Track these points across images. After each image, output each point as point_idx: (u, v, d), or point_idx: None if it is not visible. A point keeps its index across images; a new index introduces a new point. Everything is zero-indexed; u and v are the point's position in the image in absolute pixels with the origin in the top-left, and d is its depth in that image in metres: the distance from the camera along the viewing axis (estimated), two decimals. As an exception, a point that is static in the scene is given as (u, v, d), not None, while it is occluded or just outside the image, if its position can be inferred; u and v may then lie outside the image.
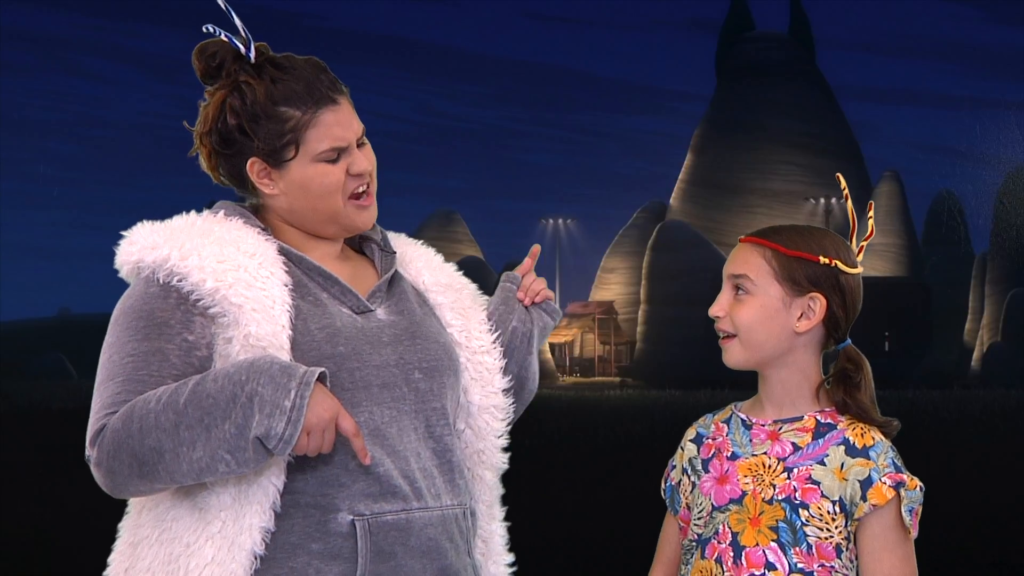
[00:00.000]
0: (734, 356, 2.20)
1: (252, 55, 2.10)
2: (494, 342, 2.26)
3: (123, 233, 2.09)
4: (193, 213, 2.13)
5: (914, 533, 2.13)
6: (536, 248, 2.35)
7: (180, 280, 2.02)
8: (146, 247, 2.05)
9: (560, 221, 62.72)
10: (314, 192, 2.11)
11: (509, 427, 2.27)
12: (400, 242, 2.31)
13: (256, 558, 1.97)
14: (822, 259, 2.17)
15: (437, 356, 2.15)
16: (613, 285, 58.25)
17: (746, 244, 2.22)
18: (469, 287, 2.33)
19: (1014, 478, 13.24)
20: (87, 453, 1.99)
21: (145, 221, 2.10)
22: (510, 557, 2.27)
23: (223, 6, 2.09)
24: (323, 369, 1.96)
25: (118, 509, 2.15)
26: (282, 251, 2.11)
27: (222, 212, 2.14)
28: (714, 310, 2.21)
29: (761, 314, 2.17)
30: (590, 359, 54.77)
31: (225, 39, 2.10)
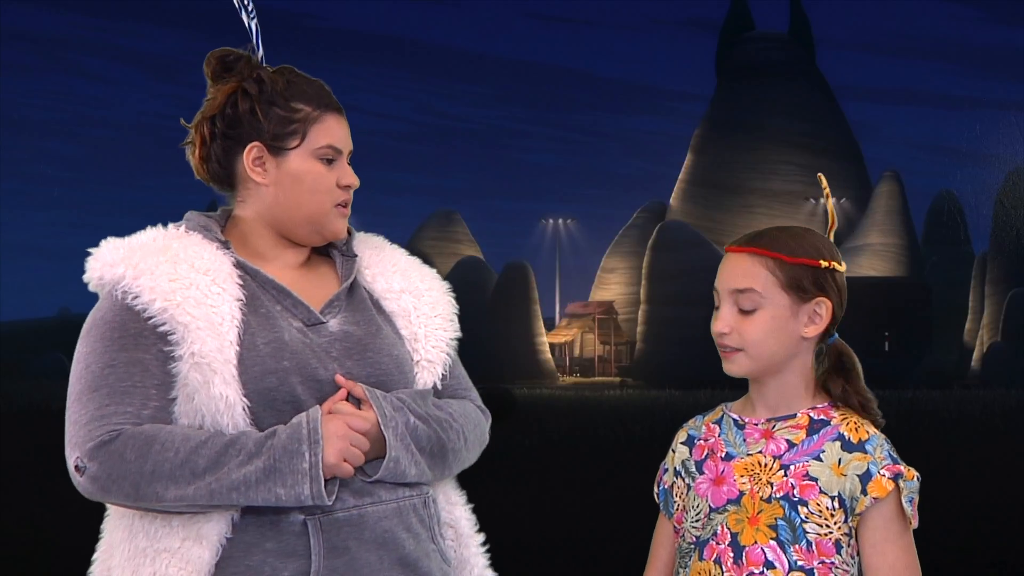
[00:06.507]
0: (740, 367, 2.17)
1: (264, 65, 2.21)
2: (436, 356, 2.24)
3: (90, 250, 2.13)
4: (158, 227, 2.17)
5: (915, 523, 2.13)
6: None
7: (134, 299, 2.06)
8: (107, 264, 2.10)
9: (560, 221, 62.71)
10: (306, 186, 2.16)
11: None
12: (364, 244, 2.31)
13: (222, 545, 2.03)
14: (822, 263, 2.15)
15: (387, 370, 2.16)
16: (613, 285, 58.21)
17: (742, 255, 2.16)
18: (432, 292, 2.30)
19: (1014, 478, 13.23)
20: (78, 461, 2.02)
21: (111, 238, 2.14)
22: (480, 538, 2.29)
23: (255, 28, 2.23)
24: (317, 407, 2.03)
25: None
26: (238, 265, 2.14)
27: (184, 227, 2.17)
28: (719, 327, 2.16)
29: (772, 326, 2.14)
30: (590, 359, 54.70)
31: (245, 40, 2.21)
